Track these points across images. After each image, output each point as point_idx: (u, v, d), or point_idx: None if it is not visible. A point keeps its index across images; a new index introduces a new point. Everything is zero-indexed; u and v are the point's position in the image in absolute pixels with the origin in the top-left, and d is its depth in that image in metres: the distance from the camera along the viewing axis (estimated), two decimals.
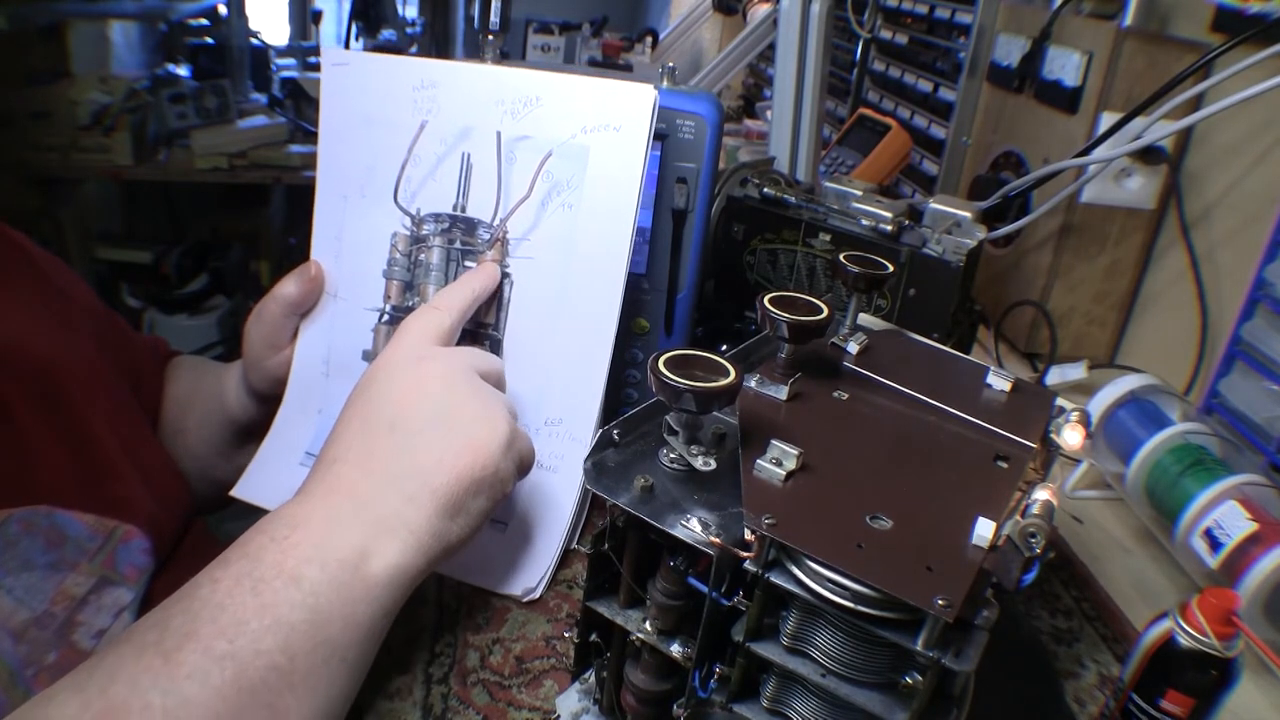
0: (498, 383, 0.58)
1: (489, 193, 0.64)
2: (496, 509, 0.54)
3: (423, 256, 0.66)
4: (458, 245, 0.66)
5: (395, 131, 0.65)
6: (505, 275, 0.65)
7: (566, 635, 0.60)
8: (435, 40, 3.46)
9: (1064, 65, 1.01)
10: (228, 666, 0.40)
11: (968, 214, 0.81)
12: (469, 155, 0.65)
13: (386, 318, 0.67)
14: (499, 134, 0.64)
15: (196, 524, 0.70)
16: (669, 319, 0.76)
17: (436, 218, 0.66)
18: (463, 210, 0.65)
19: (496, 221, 0.64)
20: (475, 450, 0.51)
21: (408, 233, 0.67)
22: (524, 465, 0.55)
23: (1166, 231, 1.02)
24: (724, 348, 0.51)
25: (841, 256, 0.59)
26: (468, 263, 0.65)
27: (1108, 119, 0.94)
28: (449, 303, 0.60)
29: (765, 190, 0.86)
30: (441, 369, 0.54)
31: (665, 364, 0.44)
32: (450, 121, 0.65)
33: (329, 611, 0.44)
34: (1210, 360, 0.92)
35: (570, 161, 0.63)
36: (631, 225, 0.62)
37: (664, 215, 0.73)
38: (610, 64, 2.09)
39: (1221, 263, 0.94)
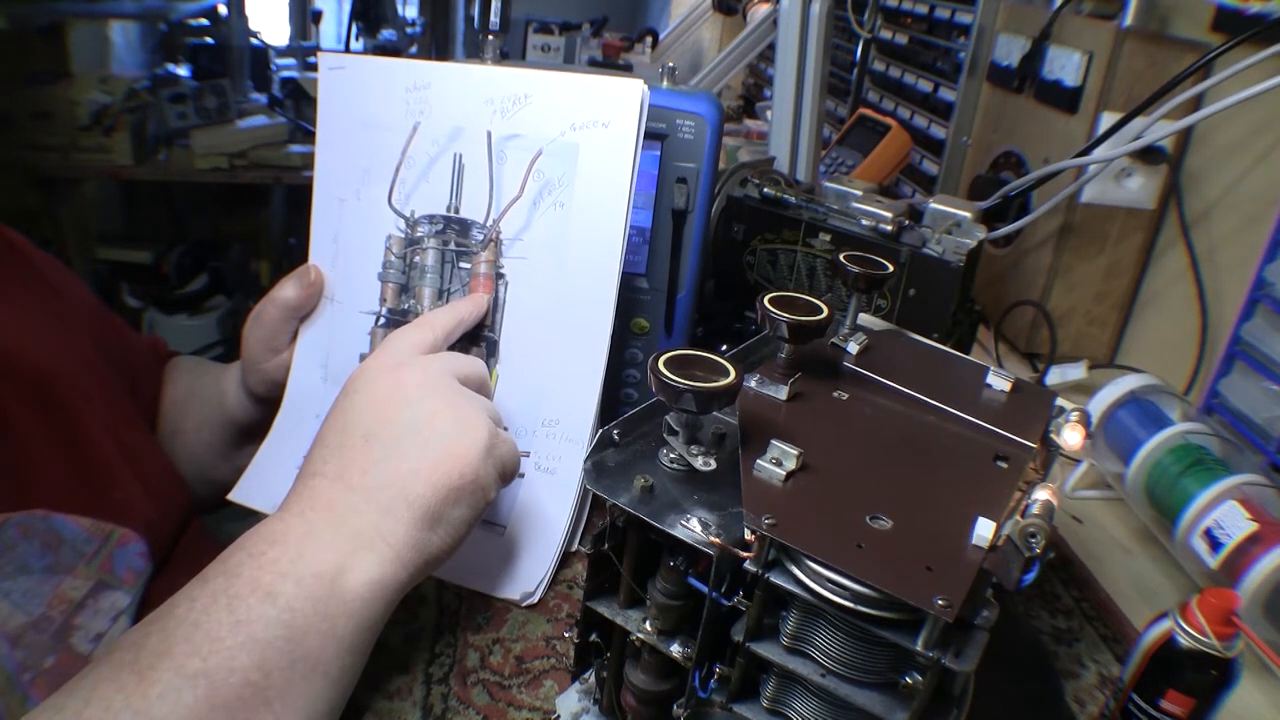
0: (480, 387, 0.58)
1: (481, 193, 0.64)
2: (479, 517, 0.53)
3: (417, 259, 0.66)
4: (452, 247, 0.65)
5: (389, 134, 0.65)
6: (500, 276, 0.65)
7: (566, 635, 0.60)
8: (435, 40, 3.46)
9: (1064, 65, 1.01)
10: (200, 684, 0.40)
11: (968, 214, 0.81)
12: (461, 156, 0.65)
13: (383, 321, 0.67)
14: (489, 133, 0.63)
15: (195, 525, 0.70)
16: (669, 319, 0.76)
17: (430, 219, 0.66)
18: (456, 211, 0.65)
19: (489, 222, 0.64)
20: (453, 458, 0.51)
21: (402, 235, 0.66)
22: (506, 472, 0.55)
23: (1166, 231, 1.02)
24: (724, 348, 0.51)
25: (841, 256, 0.59)
26: (462, 264, 0.65)
27: (1108, 119, 0.94)
28: (433, 320, 0.60)
29: (765, 190, 0.86)
30: (418, 376, 0.54)
31: (665, 364, 0.44)
32: (442, 122, 0.65)
33: (306, 627, 0.44)
34: (1210, 360, 0.92)
35: (560, 159, 0.62)
36: (623, 223, 0.62)
37: (664, 215, 0.73)
38: (610, 64, 2.09)
39: (1221, 263, 0.93)
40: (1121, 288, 1.05)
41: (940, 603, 0.36)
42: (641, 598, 0.47)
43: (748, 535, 0.41)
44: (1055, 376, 0.96)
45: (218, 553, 0.47)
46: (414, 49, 3.28)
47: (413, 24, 3.48)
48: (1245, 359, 0.83)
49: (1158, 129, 0.88)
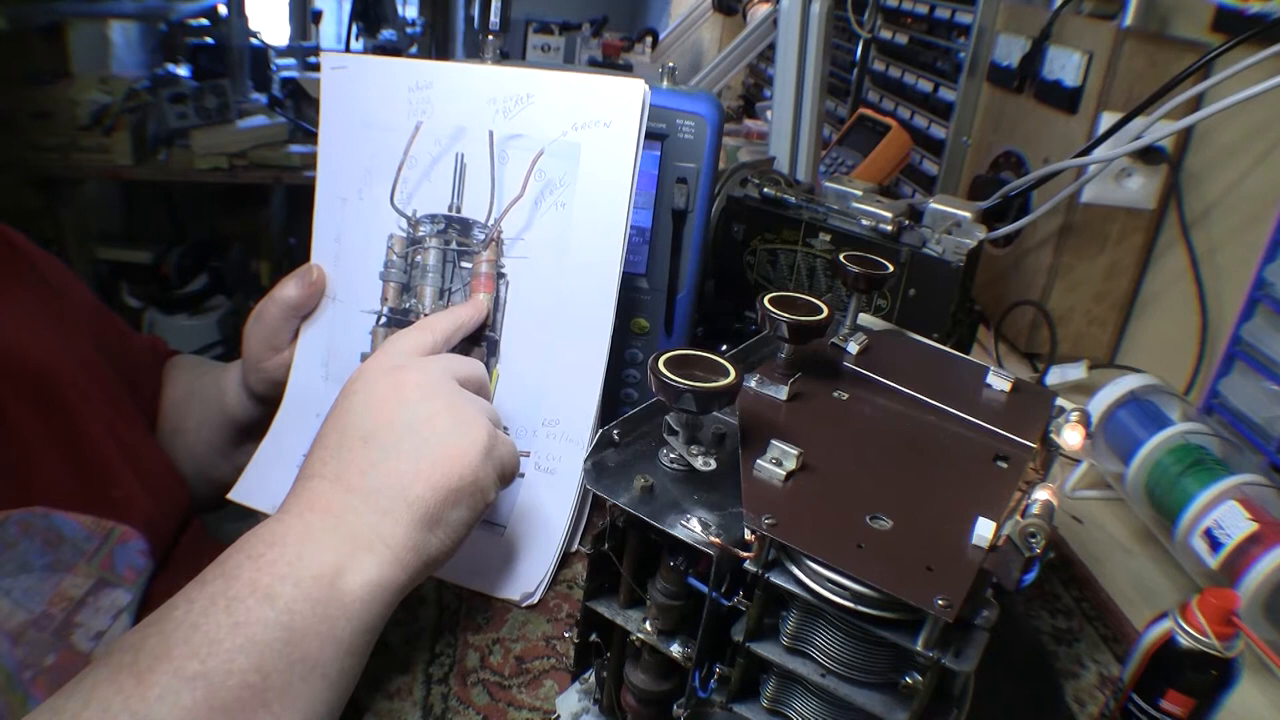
0: (479, 388, 0.58)
1: (483, 193, 0.64)
2: (479, 518, 0.53)
3: (419, 258, 0.66)
4: (453, 246, 0.66)
5: (392, 134, 0.65)
6: (501, 276, 0.65)
7: (566, 635, 0.60)
8: (435, 40, 3.46)
9: (1064, 65, 1.01)
10: (199, 686, 0.40)
11: (968, 214, 0.81)
12: (463, 155, 0.65)
13: (384, 320, 0.67)
14: (491, 133, 0.64)
15: (195, 524, 0.70)
16: (669, 319, 0.76)
17: (432, 219, 0.66)
18: (458, 211, 0.65)
19: (490, 222, 0.64)
20: (452, 460, 0.51)
21: (404, 234, 0.66)
22: (506, 473, 0.55)
23: (1166, 231, 1.02)
24: (724, 348, 0.51)
25: (842, 256, 0.59)
26: (464, 263, 0.65)
27: (1108, 119, 0.94)
28: (433, 324, 0.60)
29: (765, 190, 0.86)
30: (418, 378, 0.54)
31: (665, 364, 0.44)
32: (444, 122, 0.65)
33: (305, 629, 0.44)
34: (1210, 360, 0.92)
35: (562, 160, 0.62)
36: (624, 223, 0.61)
37: (664, 215, 0.73)
38: (610, 64, 2.09)
39: (1221, 263, 0.93)
40: (1121, 288, 1.05)
41: (940, 603, 0.36)
42: (641, 598, 0.47)
43: (748, 535, 0.41)
44: (1055, 376, 0.96)
45: (219, 552, 0.47)
46: (414, 49, 3.28)
47: (413, 24, 3.48)
48: (1245, 359, 0.83)
49: (1158, 129, 0.88)
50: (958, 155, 1.26)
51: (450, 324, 0.61)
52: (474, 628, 0.61)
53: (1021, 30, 1.11)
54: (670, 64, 0.76)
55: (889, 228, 0.80)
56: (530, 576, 0.63)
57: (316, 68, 0.69)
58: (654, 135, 0.70)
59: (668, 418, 0.47)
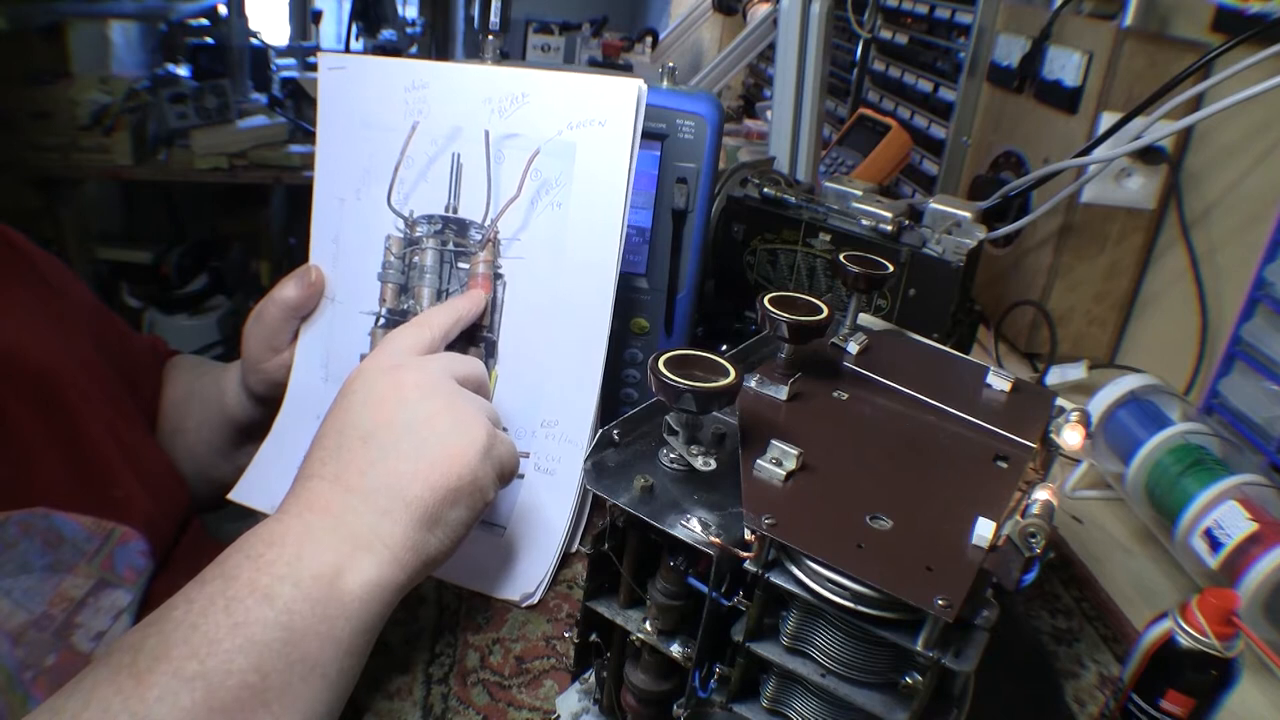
0: (479, 387, 0.58)
1: (480, 193, 0.64)
2: (478, 518, 0.53)
3: (416, 259, 0.66)
4: (450, 247, 0.65)
5: (389, 134, 0.65)
6: (498, 276, 0.65)
7: (566, 635, 0.60)
8: (435, 40, 3.46)
9: (1064, 65, 1.01)
10: (198, 687, 0.40)
11: (968, 214, 0.81)
12: (459, 155, 0.65)
13: (382, 321, 0.67)
14: (487, 133, 0.63)
15: (195, 524, 0.70)
16: (669, 319, 0.76)
17: (429, 219, 0.66)
18: (454, 211, 0.65)
19: (487, 222, 0.64)
20: (451, 459, 0.51)
21: (401, 235, 0.66)
22: (505, 472, 0.55)
23: (1166, 231, 1.02)
24: (724, 348, 0.51)
25: (842, 256, 0.59)
26: (461, 264, 0.65)
27: (1108, 119, 0.94)
28: (431, 320, 0.60)
29: (765, 190, 0.86)
30: (416, 377, 0.54)
31: (665, 364, 0.44)
32: (440, 122, 0.65)
33: (304, 629, 0.44)
34: (1210, 360, 0.92)
35: (558, 159, 0.62)
36: (620, 222, 0.61)
37: (664, 215, 0.73)
38: (610, 64, 2.09)
39: (1221, 263, 0.93)
40: (1121, 288, 1.05)
41: (940, 603, 0.36)
42: (641, 598, 0.47)
43: (748, 535, 0.41)
44: (1055, 376, 0.96)
45: (219, 552, 0.47)
46: (414, 49, 3.29)
47: (413, 24, 3.48)
48: (1245, 359, 0.83)
49: (1158, 129, 0.88)
50: (958, 155, 1.26)
51: (448, 317, 0.60)
52: (474, 628, 0.61)
53: (1021, 30, 1.11)
54: (670, 64, 0.76)
55: (889, 228, 0.80)
56: (530, 577, 0.63)
57: (316, 68, 0.70)
58: (654, 135, 0.70)
59: (668, 418, 0.47)
